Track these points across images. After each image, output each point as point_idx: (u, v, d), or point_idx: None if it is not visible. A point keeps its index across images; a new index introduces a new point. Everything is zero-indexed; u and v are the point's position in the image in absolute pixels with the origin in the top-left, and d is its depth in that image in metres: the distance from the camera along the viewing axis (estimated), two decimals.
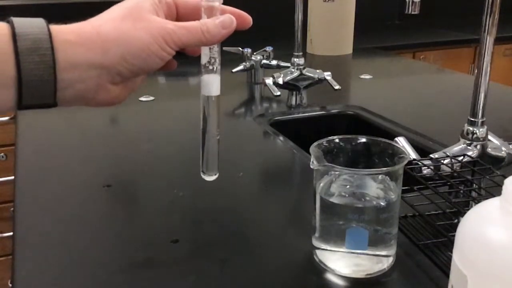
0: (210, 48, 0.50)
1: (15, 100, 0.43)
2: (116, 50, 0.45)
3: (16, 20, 0.42)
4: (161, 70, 0.50)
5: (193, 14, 0.51)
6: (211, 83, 0.52)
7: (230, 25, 0.49)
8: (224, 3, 0.50)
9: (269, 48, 1.34)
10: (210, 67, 0.51)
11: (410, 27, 2.38)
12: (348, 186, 0.55)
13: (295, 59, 1.15)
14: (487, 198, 0.40)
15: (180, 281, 0.55)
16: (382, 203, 0.53)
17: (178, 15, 0.51)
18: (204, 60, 0.51)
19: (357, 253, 0.54)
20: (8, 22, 0.42)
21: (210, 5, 0.49)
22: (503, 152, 0.67)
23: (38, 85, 0.42)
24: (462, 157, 0.66)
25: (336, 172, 0.54)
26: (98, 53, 0.44)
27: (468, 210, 0.41)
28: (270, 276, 0.55)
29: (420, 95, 1.30)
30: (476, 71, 0.66)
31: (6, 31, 0.42)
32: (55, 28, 0.44)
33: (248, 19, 0.52)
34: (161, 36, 0.46)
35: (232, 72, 1.28)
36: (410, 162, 0.65)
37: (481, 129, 0.66)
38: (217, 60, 0.51)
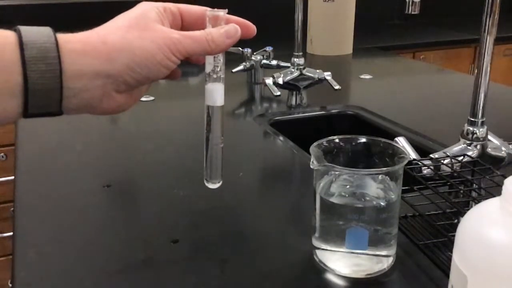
0: (214, 57, 0.51)
1: (21, 108, 0.43)
2: (122, 59, 0.45)
3: (23, 29, 0.43)
4: (165, 79, 0.51)
5: (197, 24, 0.51)
6: (216, 92, 0.52)
7: (234, 35, 0.50)
8: (226, 7, 0.50)
9: (269, 48, 1.34)
10: (214, 76, 0.51)
11: (410, 27, 2.38)
12: (348, 186, 0.55)
13: (295, 59, 1.15)
14: (487, 198, 0.40)
15: (180, 281, 0.55)
16: (382, 203, 0.53)
17: (183, 24, 0.51)
18: (208, 69, 0.51)
19: (357, 253, 0.54)
20: (15, 30, 0.43)
21: (215, 14, 0.50)
22: (503, 152, 0.67)
23: (44, 93, 0.43)
24: (462, 157, 0.66)
25: (336, 172, 0.54)
26: (104, 62, 0.44)
27: (468, 210, 0.41)
28: (270, 276, 0.55)
29: (420, 95, 1.30)
30: (476, 71, 0.66)
31: (13, 40, 0.42)
32: (62, 37, 0.44)
33: (252, 28, 0.52)
34: (166, 45, 0.46)
35: (232, 72, 1.28)
36: (410, 162, 0.65)
37: (481, 129, 0.66)
38: (221, 69, 0.51)
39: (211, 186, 0.55)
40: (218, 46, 0.49)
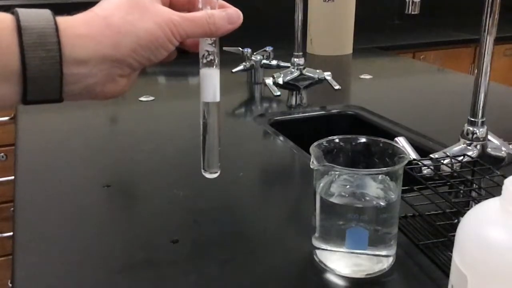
0: (205, 40, 0.49)
1: (20, 95, 0.42)
2: (127, 42, 0.44)
3: (22, 12, 0.41)
4: (161, 62, 0.50)
5: (185, 7, 0.50)
6: (211, 78, 0.50)
7: (236, 21, 0.49)
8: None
9: (269, 48, 1.34)
10: (204, 61, 0.50)
11: (410, 27, 2.38)
12: (348, 186, 0.55)
13: (295, 59, 1.14)
14: (487, 198, 0.40)
15: (180, 281, 0.54)
16: (382, 203, 0.53)
17: (170, 6, 0.50)
18: (201, 53, 0.50)
19: (357, 253, 0.54)
20: (13, 13, 0.41)
21: None
22: (503, 152, 0.67)
23: (44, 81, 0.42)
24: (462, 157, 0.66)
25: (336, 172, 0.54)
26: (109, 45, 0.44)
27: (468, 210, 0.41)
28: (270, 276, 0.55)
29: (420, 95, 1.30)
30: (476, 71, 0.66)
31: (10, 24, 0.40)
32: (62, 21, 0.42)
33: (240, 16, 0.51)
34: (168, 27, 0.45)
35: (232, 72, 1.28)
36: (410, 162, 0.65)
37: (481, 129, 0.66)
38: (216, 53, 0.50)
39: (209, 175, 0.54)
40: (219, 29, 0.48)
